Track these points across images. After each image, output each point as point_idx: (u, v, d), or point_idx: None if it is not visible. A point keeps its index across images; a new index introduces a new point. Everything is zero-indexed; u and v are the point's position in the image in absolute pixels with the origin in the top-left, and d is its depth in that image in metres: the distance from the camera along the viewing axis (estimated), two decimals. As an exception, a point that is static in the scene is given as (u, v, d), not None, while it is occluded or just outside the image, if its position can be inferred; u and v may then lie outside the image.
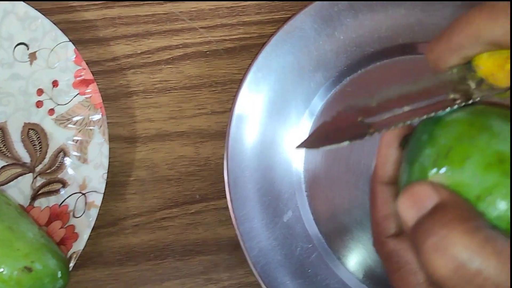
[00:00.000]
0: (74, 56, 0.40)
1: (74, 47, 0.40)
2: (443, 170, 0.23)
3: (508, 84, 0.25)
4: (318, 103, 0.42)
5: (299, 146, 0.25)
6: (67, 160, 0.39)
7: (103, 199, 0.39)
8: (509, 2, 0.23)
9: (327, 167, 0.41)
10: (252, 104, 0.40)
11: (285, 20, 0.42)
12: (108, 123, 0.41)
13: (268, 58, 0.41)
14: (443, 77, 0.25)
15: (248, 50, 0.44)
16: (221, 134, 0.42)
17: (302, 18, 0.42)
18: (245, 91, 0.40)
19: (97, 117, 0.39)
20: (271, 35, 0.41)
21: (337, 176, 0.41)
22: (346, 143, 0.23)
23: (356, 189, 0.40)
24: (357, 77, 0.43)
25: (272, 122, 0.41)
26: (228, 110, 0.40)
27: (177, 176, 0.41)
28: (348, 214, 0.40)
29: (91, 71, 0.42)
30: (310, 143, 0.26)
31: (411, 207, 0.22)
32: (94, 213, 0.37)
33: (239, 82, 0.40)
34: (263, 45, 0.41)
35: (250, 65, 0.40)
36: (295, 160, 0.41)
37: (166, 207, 0.40)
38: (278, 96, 0.41)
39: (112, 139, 0.41)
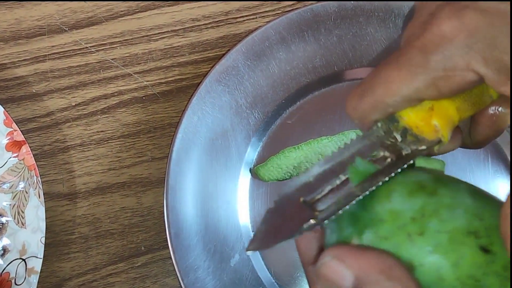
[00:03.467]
0: (4, 118, 0.39)
1: (3, 109, 0.39)
2: (372, 211, 0.23)
3: (434, 137, 0.24)
4: (259, 140, 0.42)
5: (250, 249, 0.23)
6: (6, 225, 0.38)
7: (46, 260, 0.38)
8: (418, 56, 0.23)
9: (270, 204, 0.41)
10: (190, 149, 0.39)
11: (219, 58, 0.42)
12: (46, 181, 0.41)
13: (203, 100, 0.40)
14: (370, 135, 0.25)
15: (185, 91, 0.43)
16: (162, 181, 0.41)
17: (234, 56, 0.41)
18: (182, 136, 0.39)
19: (31, 179, 0.38)
20: (205, 76, 0.41)
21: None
22: (296, 236, 0.23)
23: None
24: (296, 109, 0.43)
25: (213, 165, 0.40)
26: (168, 155, 0.40)
27: (120, 229, 0.40)
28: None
29: (25, 129, 0.42)
30: (260, 243, 0.23)
31: None
32: (34, 280, 0.36)
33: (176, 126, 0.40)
34: (196, 88, 0.40)
35: (184, 110, 0.40)
36: (239, 202, 0.40)
37: (111, 263, 0.39)
38: (217, 137, 0.41)
39: (51, 197, 0.40)
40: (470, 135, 0.28)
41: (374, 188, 0.23)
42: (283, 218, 0.24)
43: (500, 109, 0.27)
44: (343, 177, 0.24)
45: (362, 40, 0.43)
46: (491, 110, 0.27)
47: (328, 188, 0.24)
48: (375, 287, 0.21)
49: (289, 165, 0.41)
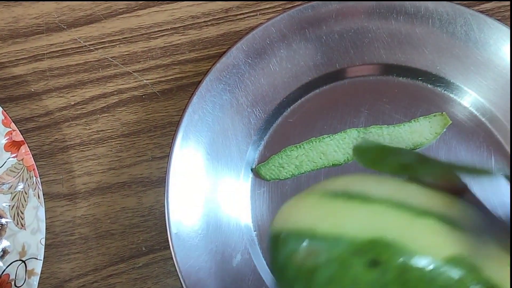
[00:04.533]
0: (2, 118, 0.39)
1: (1, 109, 0.39)
2: None
3: None
4: (260, 139, 0.42)
5: None
6: (6, 226, 0.38)
7: (46, 261, 0.38)
8: None
9: (274, 204, 0.40)
10: (191, 148, 0.39)
11: (220, 56, 0.41)
12: (45, 181, 0.40)
13: (203, 99, 0.40)
14: None
15: (185, 90, 0.43)
16: (163, 181, 0.40)
17: (235, 54, 0.41)
18: (182, 136, 0.39)
19: (30, 180, 0.38)
20: (205, 74, 0.40)
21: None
22: None
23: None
24: (297, 107, 0.43)
25: (214, 165, 0.40)
26: (169, 155, 0.39)
27: (121, 230, 0.40)
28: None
29: (24, 129, 0.41)
30: None
31: None
32: (35, 281, 0.36)
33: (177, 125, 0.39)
34: (196, 86, 0.40)
35: (185, 108, 0.39)
36: (241, 202, 0.40)
37: (112, 264, 0.39)
38: (218, 136, 0.40)
39: (50, 197, 0.40)
40: None
41: None
42: None
43: None
44: None
45: (364, 37, 0.43)
46: None
47: None
48: None
49: (290, 164, 0.41)
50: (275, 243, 0.24)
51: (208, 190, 0.39)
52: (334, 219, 0.23)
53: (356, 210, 0.22)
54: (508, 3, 0.45)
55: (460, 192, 0.25)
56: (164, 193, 0.37)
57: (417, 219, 0.22)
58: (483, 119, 0.42)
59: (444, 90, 0.43)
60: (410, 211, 0.22)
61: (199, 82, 0.40)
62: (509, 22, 0.45)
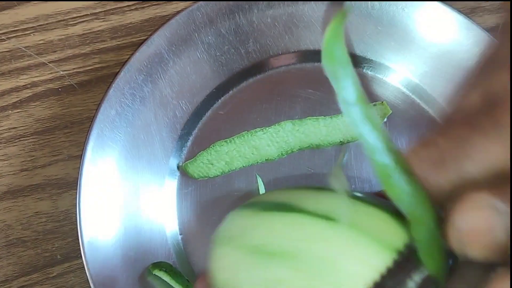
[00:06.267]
0: None
1: None
2: None
3: None
4: (188, 133, 0.38)
5: None
6: None
7: (-49, 274, 0.35)
8: None
9: (203, 204, 0.37)
10: (107, 147, 0.36)
11: (141, 43, 0.38)
12: (-50, 185, 0.37)
13: (121, 92, 0.36)
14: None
15: (105, 81, 0.39)
16: (80, 182, 0.37)
17: (157, 41, 0.37)
18: (97, 133, 0.35)
19: None
20: (123, 64, 0.37)
21: (210, 214, 0.37)
22: None
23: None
24: (228, 98, 0.39)
25: (135, 163, 0.36)
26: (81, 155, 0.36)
27: (34, 237, 0.36)
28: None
29: None
30: None
31: None
32: None
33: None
34: (113, 78, 0.36)
35: (100, 103, 0.36)
36: (165, 203, 0.37)
37: (23, 274, 0.36)
38: (139, 132, 0.37)
39: (-44, 203, 0.36)
40: None
41: None
42: None
43: None
44: None
45: (299, 21, 0.39)
46: None
47: None
48: None
49: (220, 161, 0.38)
50: None
51: (127, 192, 0.36)
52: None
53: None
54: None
55: None
56: (76, 197, 0.34)
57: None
58: (426, 108, 0.39)
59: (385, 77, 0.40)
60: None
61: (117, 73, 0.36)
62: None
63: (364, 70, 0.40)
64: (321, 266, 0.18)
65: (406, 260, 0.18)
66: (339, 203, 0.20)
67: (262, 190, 0.38)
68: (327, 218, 0.19)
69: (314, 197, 0.20)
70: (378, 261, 0.18)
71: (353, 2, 0.39)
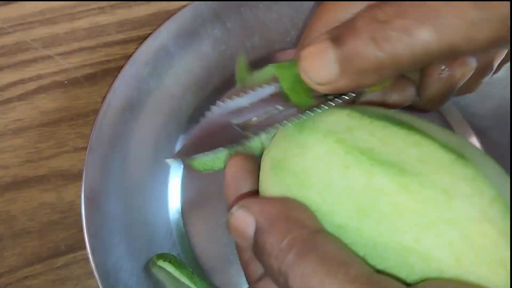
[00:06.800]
0: None
1: None
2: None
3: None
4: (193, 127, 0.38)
5: (172, 157, 0.24)
6: None
7: (-44, 263, 0.35)
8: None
9: (207, 198, 0.38)
10: (113, 138, 0.36)
11: (147, 37, 0.38)
12: (-45, 176, 0.37)
13: (127, 85, 0.37)
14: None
15: (111, 74, 0.40)
16: (85, 174, 0.37)
17: (163, 34, 0.38)
18: (102, 124, 0.36)
19: None
20: (129, 57, 0.37)
21: (215, 206, 0.37)
22: (221, 149, 0.23)
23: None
24: (234, 92, 0.40)
25: (140, 156, 0.37)
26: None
27: (38, 228, 0.36)
28: (230, 247, 0.36)
29: None
30: (182, 153, 0.24)
31: (240, 239, 0.21)
32: None
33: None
34: (119, 71, 0.37)
35: (105, 95, 0.36)
36: (170, 195, 0.37)
37: (28, 264, 0.36)
38: (145, 126, 0.37)
39: (-39, 193, 0.37)
40: (420, 94, 0.26)
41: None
42: (209, 134, 0.23)
43: (446, 69, 0.25)
44: (280, 108, 0.23)
45: (305, 17, 0.40)
46: (439, 71, 0.25)
47: (262, 115, 0.23)
48: (272, 230, 0.19)
49: (226, 154, 0.38)
50: None
51: (132, 184, 0.36)
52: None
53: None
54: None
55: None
56: (81, 188, 0.34)
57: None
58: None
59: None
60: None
61: (123, 66, 0.37)
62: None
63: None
64: (436, 195, 0.17)
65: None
66: (466, 145, 0.20)
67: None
68: (458, 154, 0.19)
69: (439, 131, 0.20)
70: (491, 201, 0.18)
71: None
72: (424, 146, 0.19)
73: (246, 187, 0.25)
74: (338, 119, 0.21)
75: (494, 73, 0.27)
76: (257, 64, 0.39)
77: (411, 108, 0.27)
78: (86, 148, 0.38)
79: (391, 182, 0.18)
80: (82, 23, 0.40)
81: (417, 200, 0.18)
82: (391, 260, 0.18)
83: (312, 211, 0.20)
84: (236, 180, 0.25)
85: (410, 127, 0.19)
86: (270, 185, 0.22)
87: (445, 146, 0.19)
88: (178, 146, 0.38)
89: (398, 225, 0.18)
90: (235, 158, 0.24)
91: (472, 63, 0.25)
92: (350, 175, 0.19)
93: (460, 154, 0.18)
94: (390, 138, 0.19)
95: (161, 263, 0.34)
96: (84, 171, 0.34)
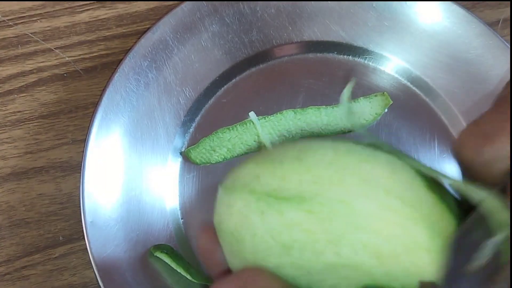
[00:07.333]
0: None
1: None
2: None
3: None
4: (191, 120, 0.39)
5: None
6: None
7: (-45, 253, 0.35)
8: None
9: (204, 190, 0.38)
10: (111, 130, 0.36)
11: (146, 30, 0.38)
12: (-45, 166, 0.37)
13: (126, 77, 0.37)
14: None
15: (110, 68, 0.40)
16: (84, 165, 0.38)
17: (162, 28, 0.38)
18: (102, 116, 0.36)
19: None
20: (128, 50, 0.37)
21: (211, 198, 0.37)
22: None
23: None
24: (231, 86, 0.40)
25: (138, 148, 0.37)
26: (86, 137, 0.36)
27: (36, 218, 0.37)
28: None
29: None
30: None
31: None
32: None
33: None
34: (119, 63, 0.37)
35: (105, 87, 0.36)
36: (168, 187, 0.37)
37: (26, 254, 0.36)
38: (143, 117, 0.37)
39: (-40, 184, 0.37)
40: None
41: None
42: None
43: None
44: None
45: (303, 12, 0.40)
46: None
47: None
48: None
49: (222, 147, 0.38)
50: None
51: (130, 176, 0.36)
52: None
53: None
54: None
55: None
56: (80, 180, 0.34)
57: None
58: (426, 99, 0.40)
59: (387, 68, 0.40)
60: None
61: (122, 59, 0.37)
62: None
63: (366, 61, 0.40)
64: (336, 208, 0.19)
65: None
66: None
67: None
68: (340, 166, 0.20)
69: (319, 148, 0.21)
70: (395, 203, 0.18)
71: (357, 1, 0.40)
72: (313, 170, 0.20)
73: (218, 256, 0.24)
74: (248, 171, 0.21)
75: None
76: (255, 59, 0.40)
77: None
78: (84, 140, 0.38)
79: (297, 212, 0.19)
80: (83, 17, 0.41)
81: (321, 218, 0.19)
82: (329, 279, 0.19)
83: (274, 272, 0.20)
84: (208, 252, 0.24)
85: (298, 158, 0.20)
86: (223, 246, 0.22)
87: (330, 163, 0.20)
88: (176, 139, 0.38)
89: (316, 248, 0.19)
90: (204, 230, 0.24)
91: None
92: (266, 219, 0.20)
93: (343, 166, 0.20)
94: (287, 172, 0.20)
95: (158, 254, 0.34)
96: (83, 163, 0.35)
